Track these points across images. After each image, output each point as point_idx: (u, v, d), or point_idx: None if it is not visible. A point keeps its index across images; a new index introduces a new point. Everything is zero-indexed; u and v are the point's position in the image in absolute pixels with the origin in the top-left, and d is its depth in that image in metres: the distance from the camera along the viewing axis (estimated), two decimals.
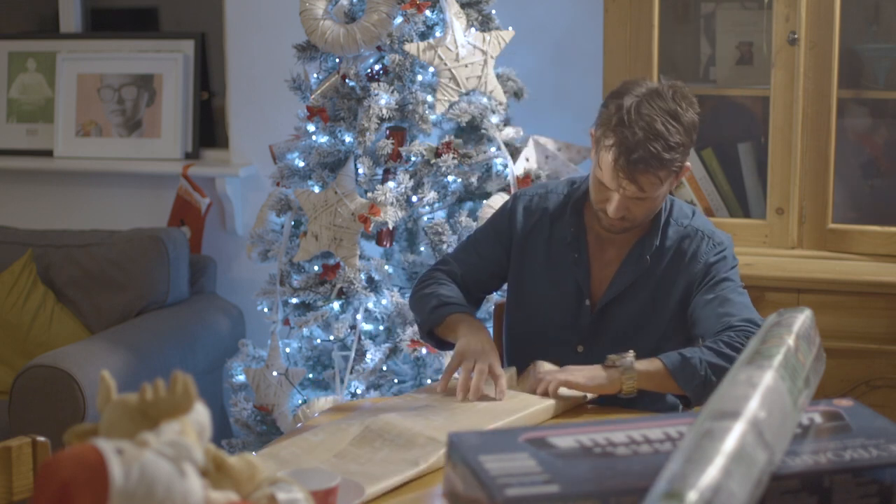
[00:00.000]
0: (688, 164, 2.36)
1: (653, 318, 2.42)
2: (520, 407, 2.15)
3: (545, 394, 2.23)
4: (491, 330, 2.72)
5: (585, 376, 2.24)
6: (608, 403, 2.29)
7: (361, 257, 3.19)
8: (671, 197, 2.48)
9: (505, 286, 2.61)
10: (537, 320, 2.49)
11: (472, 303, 2.58)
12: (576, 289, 2.45)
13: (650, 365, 2.24)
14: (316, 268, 3.26)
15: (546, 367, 2.32)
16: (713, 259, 2.40)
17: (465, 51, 3.18)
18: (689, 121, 2.29)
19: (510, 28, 3.27)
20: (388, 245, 3.23)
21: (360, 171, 3.21)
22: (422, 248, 3.23)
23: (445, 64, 3.16)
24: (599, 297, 2.44)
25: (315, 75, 3.34)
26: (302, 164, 3.29)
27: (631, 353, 2.25)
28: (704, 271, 2.39)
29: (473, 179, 3.18)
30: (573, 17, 3.70)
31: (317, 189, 3.24)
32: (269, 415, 3.29)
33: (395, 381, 3.18)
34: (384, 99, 3.16)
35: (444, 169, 3.14)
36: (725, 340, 2.25)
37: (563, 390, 2.24)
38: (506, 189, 3.19)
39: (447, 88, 3.16)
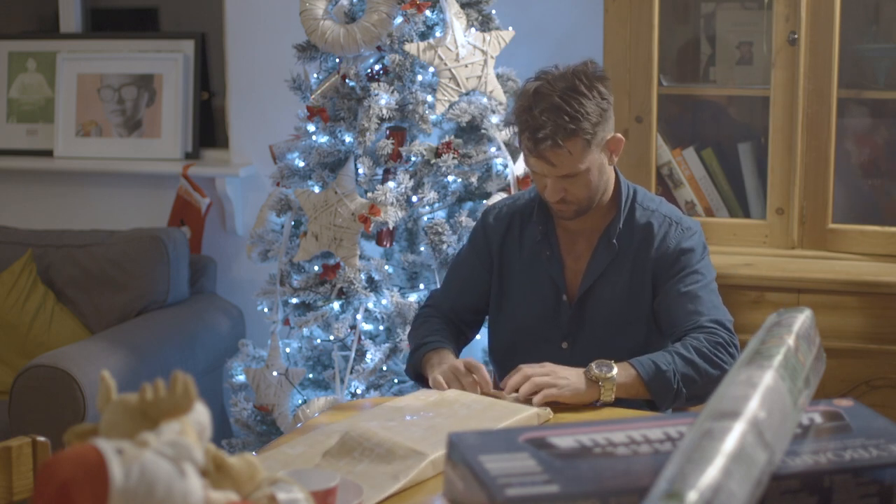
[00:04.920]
0: (617, 135, 2.39)
1: (632, 304, 2.43)
2: (503, 416, 2.11)
3: (528, 398, 2.21)
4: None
5: (569, 390, 2.21)
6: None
7: (361, 257, 3.18)
8: (635, 185, 2.50)
9: None
10: (519, 322, 2.52)
11: (468, 326, 2.63)
12: (552, 285, 2.48)
13: (627, 377, 2.25)
14: (316, 268, 3.26)
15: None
16: (685, 245, 2.42)
17: (465, 51, 3.18)
18: (591, 91, 2.32)
19: (510, 28, 3.27)
20: (388, 245, 3.22)
21: (360, 171, 3.21)
22: (422, 248, 3.23)
23: (445, 64, 3.15)
24: (576, 290, 2.46)
25: (315, 75, 3.34)
26: (302, 164, 3.29)
27: (612, 365, 2.25)
28: (675, 257, 2.40)
29: (473, 179, 3.18)
30: (573, 17, 3.70)
31: (317, 189, 3.24)
32: (269, 415, 3.29)
33: (395, 381, 3.18)
34: (384, 99, 3.16)
35: (444, 169, 3.14)
36: (695, 346, 2.29)
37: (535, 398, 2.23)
38: (506, 189, 3.19)
39: (447, 88, 3.16)
